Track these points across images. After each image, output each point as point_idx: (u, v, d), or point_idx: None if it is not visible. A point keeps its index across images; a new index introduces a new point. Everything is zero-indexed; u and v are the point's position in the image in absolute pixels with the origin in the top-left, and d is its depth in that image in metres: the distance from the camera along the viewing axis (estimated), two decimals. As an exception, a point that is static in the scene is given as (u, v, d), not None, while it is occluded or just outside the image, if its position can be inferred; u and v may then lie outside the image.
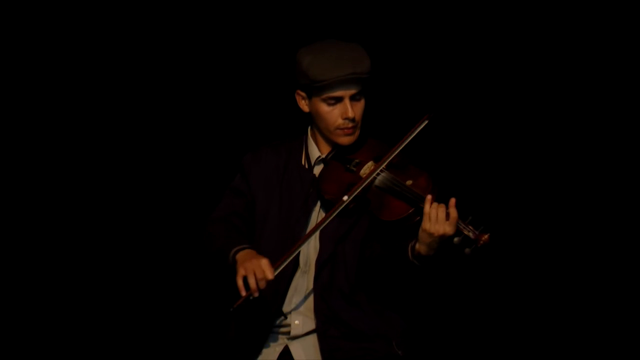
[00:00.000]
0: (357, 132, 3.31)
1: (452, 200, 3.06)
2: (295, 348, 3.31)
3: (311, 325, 3.29)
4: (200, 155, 4.59)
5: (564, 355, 4.45)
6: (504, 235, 4.25)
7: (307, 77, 3.24)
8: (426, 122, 3.23)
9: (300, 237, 3.26)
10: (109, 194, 4.59)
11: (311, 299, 3.29)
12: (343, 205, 3.18)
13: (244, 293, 3.11)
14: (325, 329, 3.27)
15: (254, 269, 3.11)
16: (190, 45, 4.53)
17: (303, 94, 3.31)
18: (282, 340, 3.33)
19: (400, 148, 3.22)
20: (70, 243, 4.59)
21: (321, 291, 3.27)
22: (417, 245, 3.11)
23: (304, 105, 3.33)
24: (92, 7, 4.45)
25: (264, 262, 3.12)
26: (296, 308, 3.30)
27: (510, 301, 4.49)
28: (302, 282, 3.31)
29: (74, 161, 4.57)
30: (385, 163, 3.22)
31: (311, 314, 3.28)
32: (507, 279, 4.48)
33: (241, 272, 3.13)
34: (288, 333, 3.31)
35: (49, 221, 4.57)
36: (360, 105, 3.29)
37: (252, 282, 3.11)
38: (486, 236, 3.03)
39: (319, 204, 3.32)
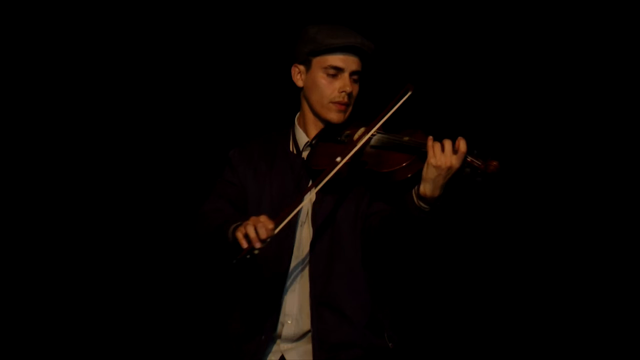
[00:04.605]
0: (348, 113, 3.33)
1: (460, 138, 3.04)
2: (291, 356, 3.28)
3: (306, 325, 3.26)
4: (189, 151, 4.59)
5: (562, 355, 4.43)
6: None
7: (313, 42, 3.27)
8: (410, 92, 3.22)
9: (296, 222, 3.25)
10: (98, 191, 4.58)
11: (307, 288, 3.26)
12: (339, 166, 3.14)
13: (245, 245, 3.01)
14: (320, 329, 3.24)
15: (254, 223, 3.02)
16: (179, 44, 4.57)
17: (301, 67, 3.34)
18: (277, 348, 3.30)
19: (395, 108, 3.20)
20: (61, 241, 4.57)
21: (317, 276, 3.25)
22: (421, 187, 3.04)
23: (298, 79, 3.36)
24: (77, 6, 4.50)
25: (263, 217, 3.03)
26: (290, 305, 3.28)
27: (504, 301, 4.49)
28: (296, 268, 3.28)
29: (62, 158, 4.56)
30: (383, 121, 3.21)
31: (306, 312, 3.26)
32: (502, 278, 4.48)
33: (241, 229, 3.04)
34: (280, 336, 3.29)
35: (36, 219, 4.55)
36: (356, 86, 3.33)
37: (251, 232, 3.00)
38: (495, 162, 2.99)
39: (310, 185, 3.29)
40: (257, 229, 2.99)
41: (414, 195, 3.06)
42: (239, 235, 3.02)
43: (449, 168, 3.01)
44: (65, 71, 4.52)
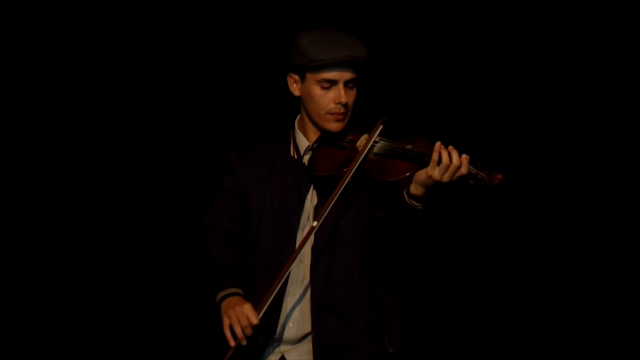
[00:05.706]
0: (347, 120, 3.31)
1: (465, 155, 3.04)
2: (292, 356, 3.28)
3: (306, 327, 3.26)
4: (189, 153, 4.59)
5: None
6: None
7: (304, 57, 3.23)
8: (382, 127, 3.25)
9: (296, 228, 3.26)
10: (99, 194, 4.58)
11: (307, 292, 3.26)
12: (335, 198, 3.16)
13: (232, 343, 3.15)
14: (321, 333, 3.24)
15: (238, 317, 3.14)
16: (179, 46, 4.56)
17: (296, 77, 3.31)
18: (277, 350, 3.30)
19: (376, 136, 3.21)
20: (61, 243, 4.57)
21: (317, 280, 3.25)
22: (412, 188, 3.06)
23: (295, 89, 3.33)
24: (77, 6, 4.49)
25: (247, 308, 3.15)
26: (291, 308, 3.28)
27: (506, 306, 4.49)
28: (298, 272, 3.28)
29: (62, 162, 4.56)
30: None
31: (306, 316, 3.26)
32: (503, 284, 4.48)
33: (226, 321, 3.17)
34: (280, 338, 3.29)
35: (35, 222, 4.55)
36: (352, 93, 3.30)
37: (238, 332, 3.14)
38: (500, 175, 3.00)
39: (311, 191, 3.30)
40: (242, 327, 3.12)
41: (405, 195, 3.08)
42: (226, 332, 3.17)
43: (441, 181, 3.03)
44: (65, 73, 4.51)
